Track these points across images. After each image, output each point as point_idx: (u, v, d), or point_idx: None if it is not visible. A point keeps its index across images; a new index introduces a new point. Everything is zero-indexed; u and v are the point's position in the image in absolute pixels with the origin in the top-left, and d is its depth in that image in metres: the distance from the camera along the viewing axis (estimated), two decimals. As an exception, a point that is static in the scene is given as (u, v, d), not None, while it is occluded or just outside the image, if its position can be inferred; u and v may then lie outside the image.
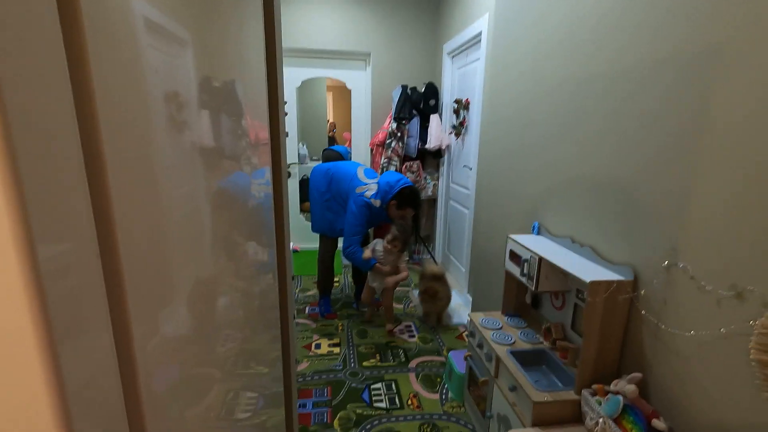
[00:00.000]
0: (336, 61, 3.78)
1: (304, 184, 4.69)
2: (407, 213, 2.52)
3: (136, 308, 0.29)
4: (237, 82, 0.64)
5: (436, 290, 2.60)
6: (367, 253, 2.44)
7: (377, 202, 2.44)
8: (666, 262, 1.05)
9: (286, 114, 3.13)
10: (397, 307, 2.91)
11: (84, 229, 0.24)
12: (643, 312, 1.13)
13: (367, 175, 2.56)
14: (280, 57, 0.89)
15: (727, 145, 0.89)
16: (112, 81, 0.27)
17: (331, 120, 6.00)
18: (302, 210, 4.21)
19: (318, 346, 2.38)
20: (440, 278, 2.64)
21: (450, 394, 1.97)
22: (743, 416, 0.86)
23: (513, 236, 1.62)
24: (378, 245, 2.52)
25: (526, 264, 1.48)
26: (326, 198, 2.62)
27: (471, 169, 2.93)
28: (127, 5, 0.30)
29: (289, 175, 3.76)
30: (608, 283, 1.14)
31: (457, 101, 3.18)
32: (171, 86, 0.38)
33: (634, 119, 1.17)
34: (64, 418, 0.22)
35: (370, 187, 2.48)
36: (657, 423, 1.00)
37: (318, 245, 2.80)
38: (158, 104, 0.35)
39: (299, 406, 1.87)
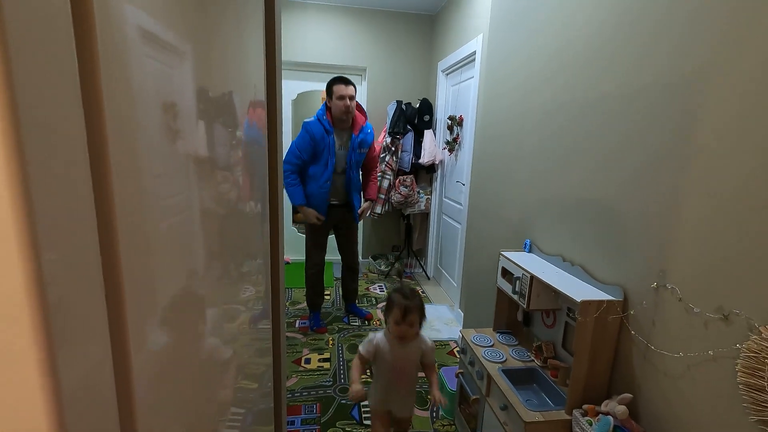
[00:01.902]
0: (332, 74, 3.81)
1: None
2: (342, 91, 2.27)
3: (133, 317, 0.29)
4: (237, 93, 0.65)
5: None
6: (355, 382, 1.36)
7: (312, 119, 2.36)
8: (654, 283, 1.07)
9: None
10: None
11: (87, 236, 0.25)
12: (632, 332, 1.14)
13: None
14: (280, 70, 0.90)
15: (709, 169, 0.92)
16: (120, 92, 0.28)
17: (325, 132, 6.01)
18: (295, 221, 4.20)
19: (308, 361, 2.35)
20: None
21: (440, 412, 1.95)
22: (731, 439, 0.87)
23: (505, 253, 1.63)
24: (379, 338, 1.44)
25: (517, 282, 1.49)
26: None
27: (464, 184, 2.96)
28: (138, 21, 0.31)
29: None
30: (598, 303, 1.16)
31: (450, 117, 3.24)
32: (174, 98, 0.39)
33: (619, 141, 1.20)
34: (58, 423, 0.22)
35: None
36: (647, 444, 1.00)
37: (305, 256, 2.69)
38: (162, 114, 0.36)
39: (287, 424, 1.83)
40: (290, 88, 3.72)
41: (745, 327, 0.84)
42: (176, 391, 0.41)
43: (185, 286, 0.43)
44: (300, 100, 3.95)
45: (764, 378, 0.79)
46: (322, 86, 3.85)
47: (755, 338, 0.81)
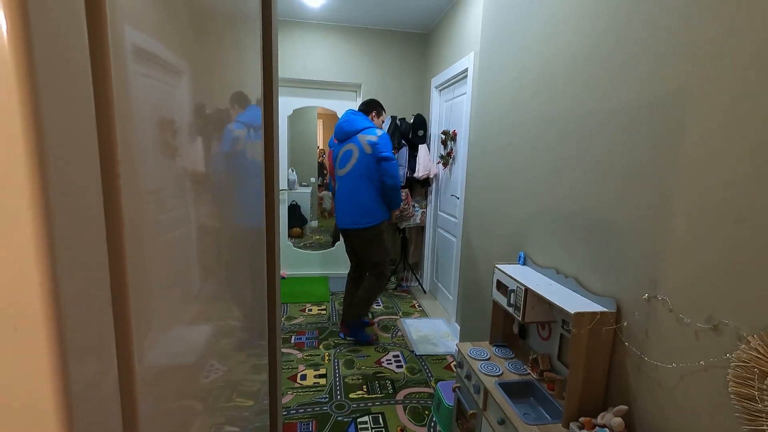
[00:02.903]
0: (327, 91, 3.89)
1: (293, 210, 4.70)
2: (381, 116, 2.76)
3: (137, 328, 0.30)
4: (235, 110, 0.67)
5: None
6: None
7: (381, 131, 2.65)
8: (646, 295, 1.09)
9: (278, 141, 3.16)
10: (384, 335, 2.87)
11: (97, 247, 0.26)
12: (626, 343, 1.15)
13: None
14: (277, 86, 0.93)
15: (695, 182, 0.95)
16: (128, 111, 0.29)
17: (320, 147, 6.09)
18: (290, 235, 4.20)
19: (303, 377, 2.32)
20: None
21: (438, 428, 1.93)
22: (726, 449, 0.87)
23: (500, 266, 1.65)
24: None
25: (512, 294, 1.50)
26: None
27: (458, 198, 2.99)
28: (144, 46, 0.33)
29: (278, 200, 3.76)
30: (592, 315, 1.17)
31: (444, 132, 3.29)
32: (174, 116, 0.41)
33: (606, 155, 1.23)
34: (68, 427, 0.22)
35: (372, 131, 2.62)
36: (643, 457, 1.00)
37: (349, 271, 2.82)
38: (164, 132, 0.38)
39: (282, 441, 1.80)
40: (286, 104, 3.77)
41: (735, 337, 0.85)
42: (175, 402, 0.41)
43: (184, 301, 0.44)
44: (295, 116, 4.00)
45: (755, 387, 0.80)
46: (318, 102, 3.93)
47: (744, 348, 0.83)
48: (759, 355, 0.79)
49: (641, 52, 1.12)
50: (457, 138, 3.08)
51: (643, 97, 1.11)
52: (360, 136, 2.56)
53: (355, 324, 2.71)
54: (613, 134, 1.23)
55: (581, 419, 1.17)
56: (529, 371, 1.53)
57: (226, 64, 0.61)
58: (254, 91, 0.80)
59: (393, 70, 3.82)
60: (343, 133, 2.62)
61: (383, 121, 2.79)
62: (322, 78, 3.73)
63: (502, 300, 1.59)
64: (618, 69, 1.21)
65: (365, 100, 2.79)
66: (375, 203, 2.58)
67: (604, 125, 1.26)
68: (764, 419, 0.79)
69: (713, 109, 0.91)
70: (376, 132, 2.57)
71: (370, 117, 2.70)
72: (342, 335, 2.84)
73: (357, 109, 2.72)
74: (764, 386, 0.79)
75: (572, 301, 1.26)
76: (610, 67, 1.24)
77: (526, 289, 1.41)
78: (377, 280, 2.69)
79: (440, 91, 3.48)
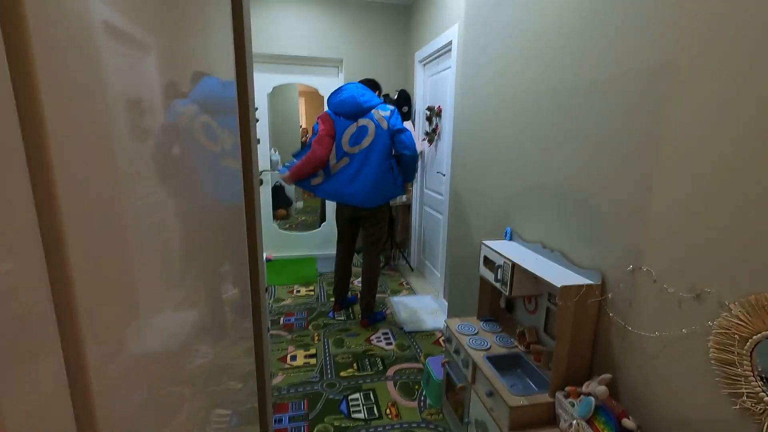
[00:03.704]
0: (308, 67, 3.75)
1: (277, 191, 4.62)
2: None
3: (90, 329, 0.27)
4: (204, 87, 0.62)
5: None
6: None
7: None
8: (630, 266, 1.10)
9: (257, 120, 3.07)
10: (374, 314, 2.88)
11: (29, 245, 0.22)
12: (611, 314, 1.17)
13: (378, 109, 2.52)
14: (250, 62, 0.87)
15: (680, 154, 0.94)
16: (62, 85, 0.25)
17: (303, 125, 5.95)
18: (276, 217, 4.14)
19: (294, 358, 2.33)
20: None
21: (428, 401, 1.97)
22: (706, 412, 0.90)
23: (486, 242, 1.65)
24: None
25: (499, 270, 1.50)
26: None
27: (444, 175, 2.97)
28: (83, 9, 0.28)
29: (261, 182, 3.68)
30: (578, 288, 1.18)
31: (429, 108, 3.23)
32: (130, 92, 0.36)
33: (593, 129, 1.22)
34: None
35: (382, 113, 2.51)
36: (627, 422, 1.03)
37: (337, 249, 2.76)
38: (114, 110, 0.34)
39: (275, 422, 1.81)
40: (265, 81, 3.64)
41: (716, 304, 0.87)
42: (148, 401, 0.39)
43: (151, 292, 0.41)
44: (276, 94, 3.87)
45: (734, 353, 0.82)
46: (299, 79, 3.80)
47: (726, 315, 0.84)
48: (740, 322, 0.81)
49: (631, 24, 1.09)
50: (443, 114, 3.03)
51: (630, 72, 1.09)
52: (375, 111, 2.45)
53: (372, 315, 2.76)
54: (599, 111, 1.21)
55: (567, 388, 1.19)
56: (517, 344, 1.55)
57: (190, 37, 0.56)
58: (225, 65, 0.74)
59: (375, 44, 3.70)
60: (358, 108, 2.42)
61: None
62: (302, 53, 3.59)
63: (489, 275, 1.59)
64: (608, 42, 1.17)
65: (366, 78, 2.66)
66: (391, 180, 2.56)
67: (590, 101, 1.24)
68: (742, 382, 0.82)
69: (698, 84, 0.89)
70: (388, 107, 2.48)
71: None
72: (331, 315, 2.85)
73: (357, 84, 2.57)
74: (743, 351, 0.81)
75: (558, 275, 1.27)
76: (600, 40, 1.21)
77: (513, 264, 1.42)
78: (377, 258, 2.72)
79: (424, 65, 3.40)
